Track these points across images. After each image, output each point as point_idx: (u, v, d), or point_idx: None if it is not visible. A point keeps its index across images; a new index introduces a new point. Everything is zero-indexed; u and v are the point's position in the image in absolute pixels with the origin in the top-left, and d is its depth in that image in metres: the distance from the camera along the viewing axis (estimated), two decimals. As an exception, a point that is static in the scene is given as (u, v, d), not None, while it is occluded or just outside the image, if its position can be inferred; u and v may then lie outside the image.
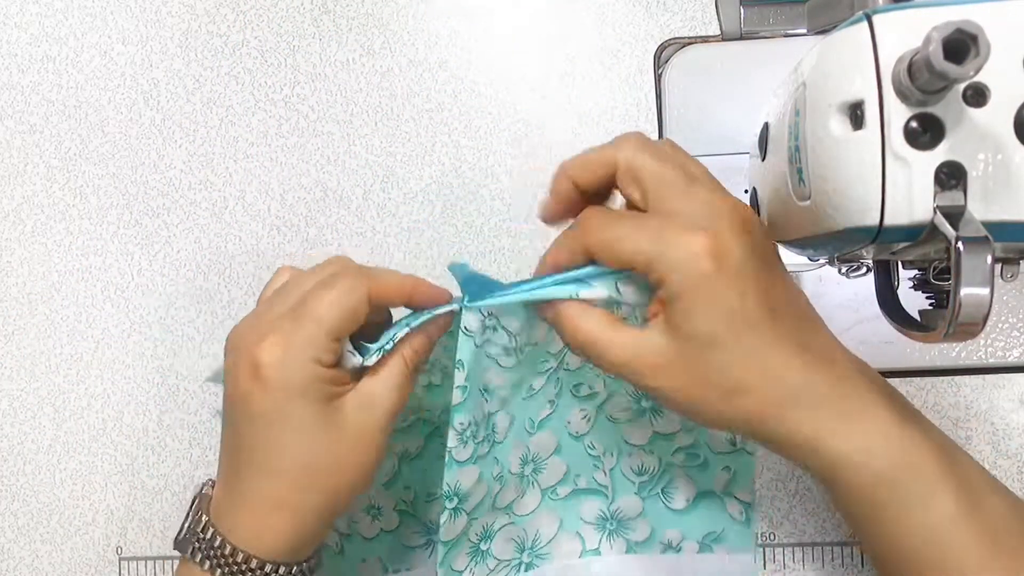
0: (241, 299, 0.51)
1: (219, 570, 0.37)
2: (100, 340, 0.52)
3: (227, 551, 0.37)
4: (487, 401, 0.41)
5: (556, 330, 0.38)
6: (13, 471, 0.52)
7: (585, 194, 0.37)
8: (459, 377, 0.40)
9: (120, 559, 0.51)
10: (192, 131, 0.52)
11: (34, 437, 0.52)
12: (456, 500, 0.41)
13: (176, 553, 0.39)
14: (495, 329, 0.40)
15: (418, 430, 0.46)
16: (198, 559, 0.38)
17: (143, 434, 0.52)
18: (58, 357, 0.52)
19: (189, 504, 0.39)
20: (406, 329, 0.38)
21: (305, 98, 0.52)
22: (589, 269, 0.37)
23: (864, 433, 0.35)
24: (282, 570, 0.37)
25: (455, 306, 0.39)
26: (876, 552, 0.37)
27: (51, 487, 0.52)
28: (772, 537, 0.48)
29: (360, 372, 0.38)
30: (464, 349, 0.39)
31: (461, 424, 0.41)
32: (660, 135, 0.50)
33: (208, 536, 0.38)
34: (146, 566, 0.51)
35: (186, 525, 0.39)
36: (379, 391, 0.38)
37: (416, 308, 0.39)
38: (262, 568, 0.37)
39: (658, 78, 0.50)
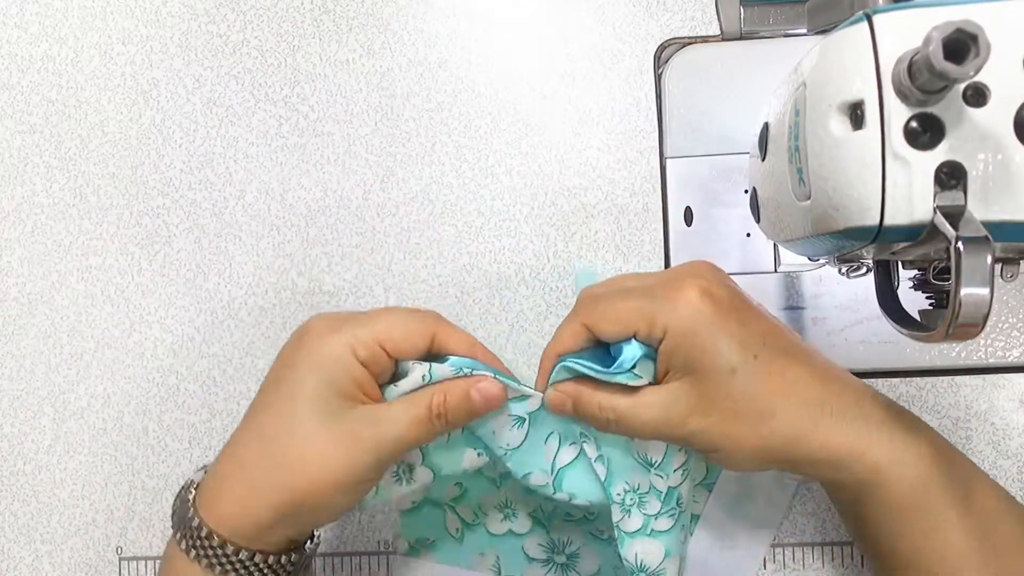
0: (241, 299, 0.51)
1: (192, 551, 0.37)
2: (100, 340, 0.52)
3: (200, 530, 0.37)
4: (648, 468, 0.42)
5: (579, 415, 0.40)
6: (13, 471, 0.52)
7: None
8: (590, 450, 0.41)
9: (120, 559, 0.51)
10: (192, 131, 0.52)
11: (34, 437, 0.52)
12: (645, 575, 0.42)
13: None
14: None
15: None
16: (177, 538, 0.37)
17: (143, 434, 0.52)
18: (58, 357, 0.52)
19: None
20: (465, 370, 0.39)
21: (305, 98, 0.52)
22: (626, 359, 0.38)
23: (895, 442, 0.36)
24: (243, 555, 0.36)
25: (527, 389, 0.40)
26: (910, 556, 0.37)
27: (51, 487, 0.52)
28: (772, 537, 0.48)
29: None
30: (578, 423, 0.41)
31: (619, 494, 0.41)
32: (660, 135, 0.50)
33: (188, 515, 0.37)
34: (146, 566, 0.51)
35: (176, 503, 0.39)
36: (392, 416, 0.37)
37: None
38: (223, 551, 0.36)
39: (658, 78, 0.50)
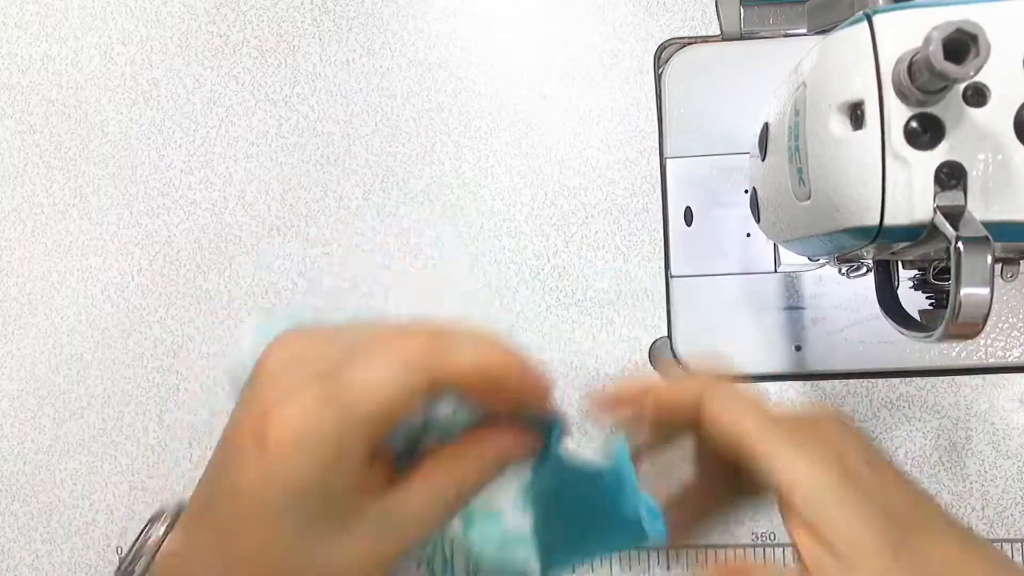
0: (241, 299, 0.51)
1: None
2: (100, 340, 0.52)
3: None
4: None
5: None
6: (13, 471, 0.52)
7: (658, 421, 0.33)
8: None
9: (120, 559, 0.51)
10: (192, 131, 0.52)
11: (34, 437, 0.52)
12: None
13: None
14: None
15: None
16: None
17: (143, 434, 0.52)
18: (58, 357, 0.52)
19: (137, 534, 0.32)
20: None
21: (305, 98, 0.52)
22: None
23: None
24: None
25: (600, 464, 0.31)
26: None
27: (51, 487, 0.52)
28: (772, 537, 0.48)
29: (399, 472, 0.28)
30: None
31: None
32: (660, 135, 0.50)
33: None
34: (146, 566, 0.51)
35: (126, 565, 0.31)
36: (413, 507, 0.27)
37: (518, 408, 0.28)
38: None
39: (658, 78, 0.50)
